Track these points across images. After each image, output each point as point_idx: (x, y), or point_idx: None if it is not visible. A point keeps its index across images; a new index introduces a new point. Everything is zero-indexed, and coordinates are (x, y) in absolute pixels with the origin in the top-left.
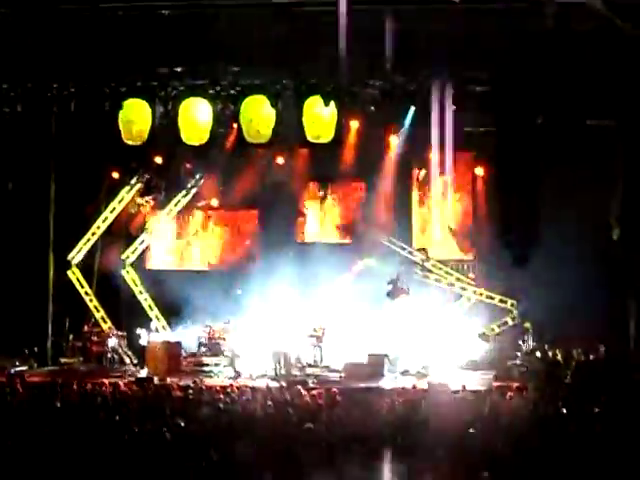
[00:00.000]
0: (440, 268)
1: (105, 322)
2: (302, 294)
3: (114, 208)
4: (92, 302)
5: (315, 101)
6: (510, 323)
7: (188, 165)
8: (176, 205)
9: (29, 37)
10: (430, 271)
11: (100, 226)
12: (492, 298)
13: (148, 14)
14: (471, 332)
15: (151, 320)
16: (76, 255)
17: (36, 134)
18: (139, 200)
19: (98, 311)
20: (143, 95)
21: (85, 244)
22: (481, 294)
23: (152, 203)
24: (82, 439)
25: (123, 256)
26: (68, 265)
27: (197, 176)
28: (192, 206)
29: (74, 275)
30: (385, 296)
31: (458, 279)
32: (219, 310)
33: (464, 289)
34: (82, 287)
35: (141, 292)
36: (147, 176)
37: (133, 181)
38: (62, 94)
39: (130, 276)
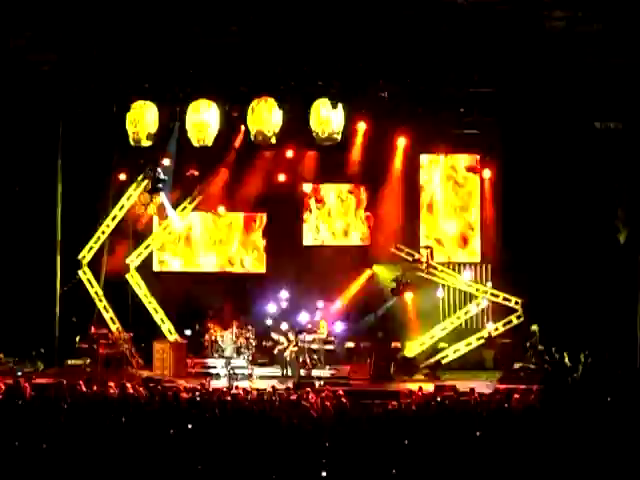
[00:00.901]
0: (443, 269)
1: (114, 323)
2: (309, 296)
3: (122, 205)
4: (101, 302)
5: (323, 103)
6: (515, 322)
7: (195, 172)
8: (183, 210)
9: (36, 36)
10: (435, 268)
11: (109, 224)
12: (496, 296)
13: (156, 15)
14: (477, 331)
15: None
16: (87, 254)
17: (43, 135)
18: (144, 199)
19: (107, 312)
20: (151, 96)
21: (95, 242)
22: (485, 292)
23: (159, 202)
24: (89, 440)
25: (128, 260)
26: (78, 265)
27: (203, 183)
28: (199, 210)
29: (85, 275)
30: (390, 293)
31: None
32: (227, 312)
33: (469, 286)
34: (92, 287)
35: (146, 295)
36: (153, 171)
37: (140, 177)
38: (70, 95)
39: (134, 280)
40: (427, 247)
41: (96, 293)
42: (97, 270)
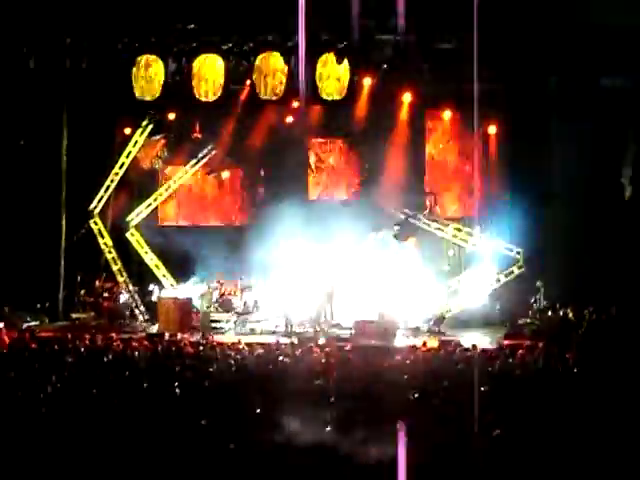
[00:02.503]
0: (446, 224)
1: (122, 275)
2: (313, 252)
3: (130, 152)
4: (111, 254)
5: (328, 58)
6: (516, 272)
7: (199, 135)
8: (186, 172)
9: None
10: (438, 216)
11: (118, 172)
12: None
13: None
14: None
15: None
16: (97, 204)
17: (48, 89)
18: (150, 151)
19: (116, 264)
20: (157, 51)
21: (105, 192)
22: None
23: (165, 153)
24: (93, 394)
25: (127, 218)
26: (88, 215)
27: (208, 147)
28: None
29: (96, 226)
30: (393, 238)
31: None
32: (231, 267)
33: (470, 235)
34: (102, 238)
35: (147, 253)
36: (156, 115)
37: (144, 122)
38: (75, 50)
39: (135, 238)
40: (431, 193)
41: (105, 244)
42: (103, 222)
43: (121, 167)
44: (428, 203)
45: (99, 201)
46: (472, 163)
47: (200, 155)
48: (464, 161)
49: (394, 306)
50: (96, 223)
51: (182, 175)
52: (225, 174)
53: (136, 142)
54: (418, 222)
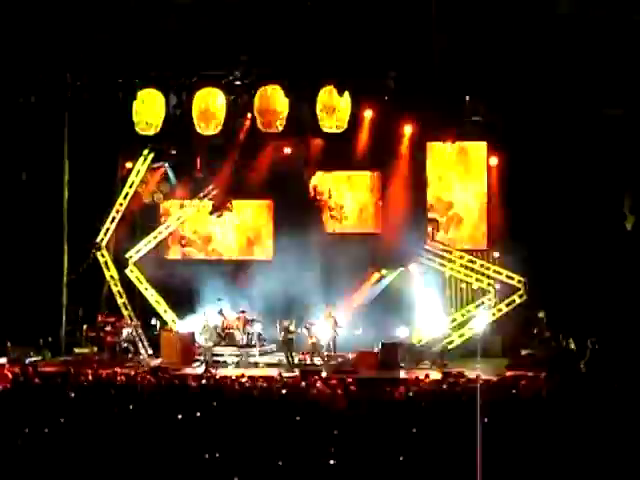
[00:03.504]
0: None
1: (126, 309)
2: (315, 282)
3: (132, 182)
4: (116, 287)
5: (329, 91)
6: (517, 301)
7: (200, 174)
8: (186, 212)
9: (43, 27)
10: (441, 243)
11: (122, 203)
12: (500, 273)
13: (160, 4)
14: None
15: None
16: (104, 237)
17: (50, 124)
18: (151, 187)
19: (121, 297)
20: (157, 85)
21: (111, 223)
22: (488, 268)
23: (166, 186)
24: (96, 428)
25: (127, 255)
26: (97, 247)
27: (209, 187)
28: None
29: (103, 258)
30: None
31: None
32: (234, 300)
33: (472, 262)
34: (108, 270)
35: (147, 289)
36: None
37: (146, 151)
38: (76, 84)
39: (134, 274)
40: (432, 220)
41: (112, 277)
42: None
43: (125, 197)
44: (430, 230)
45: (105, 233)
46: (475, 194)
47: (201, 194)
48: (467, 192)
49: (397, 337)
50: (103, 255)
51: (182, 215)
52: (227, 214)
53: (138, 171)
54: (423, 260)
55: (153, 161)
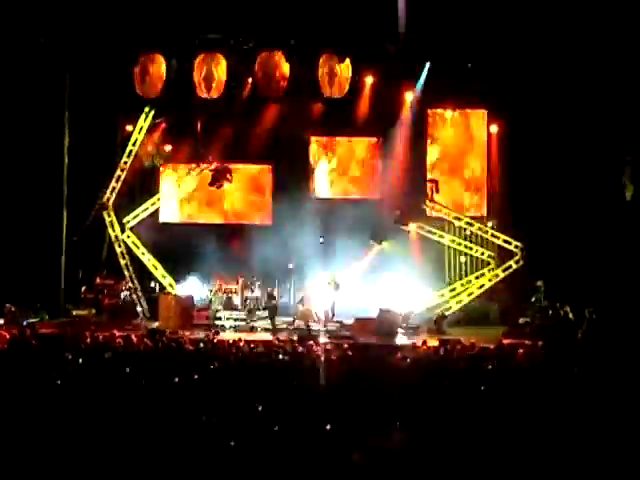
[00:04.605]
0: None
1: (128, 270)
2: (316, 249)
3: (136, 139)
4: (120, 248)
5: (330, 57)
6: (514, 267)
7: (211, 159)
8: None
9: None
10: (439, 204)
11: (127, 161)
12: (497, 237)
13: None
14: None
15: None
16: (110, 196)
17: (51, 88)
18: (151, 149)
19: (124, 258)
20: (158, 49)
21: (117, 182)
22: (486, 231)
23: (165, 148)
24: (92, 391)
25: (124, 220)
26: (104, 206)
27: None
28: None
29: (109, 218)
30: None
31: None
32: (234, 264)
33: (470, 225)
34: (113, 230)
35: (143, 254)
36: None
37: (147, 109)
38: (76, 48)
39: (131, 240)
40: (432, 180)
41: (116, 237)
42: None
43: (129, 155)
44: (429, 190)
45: (112, 192)
46: (474, 160)
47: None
48: (466, 158)
49: (395, 304)
50: (109, 215)
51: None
52: (227, 185)
53: (141, 128)
54: (420, 230)
55: (154, 117)
